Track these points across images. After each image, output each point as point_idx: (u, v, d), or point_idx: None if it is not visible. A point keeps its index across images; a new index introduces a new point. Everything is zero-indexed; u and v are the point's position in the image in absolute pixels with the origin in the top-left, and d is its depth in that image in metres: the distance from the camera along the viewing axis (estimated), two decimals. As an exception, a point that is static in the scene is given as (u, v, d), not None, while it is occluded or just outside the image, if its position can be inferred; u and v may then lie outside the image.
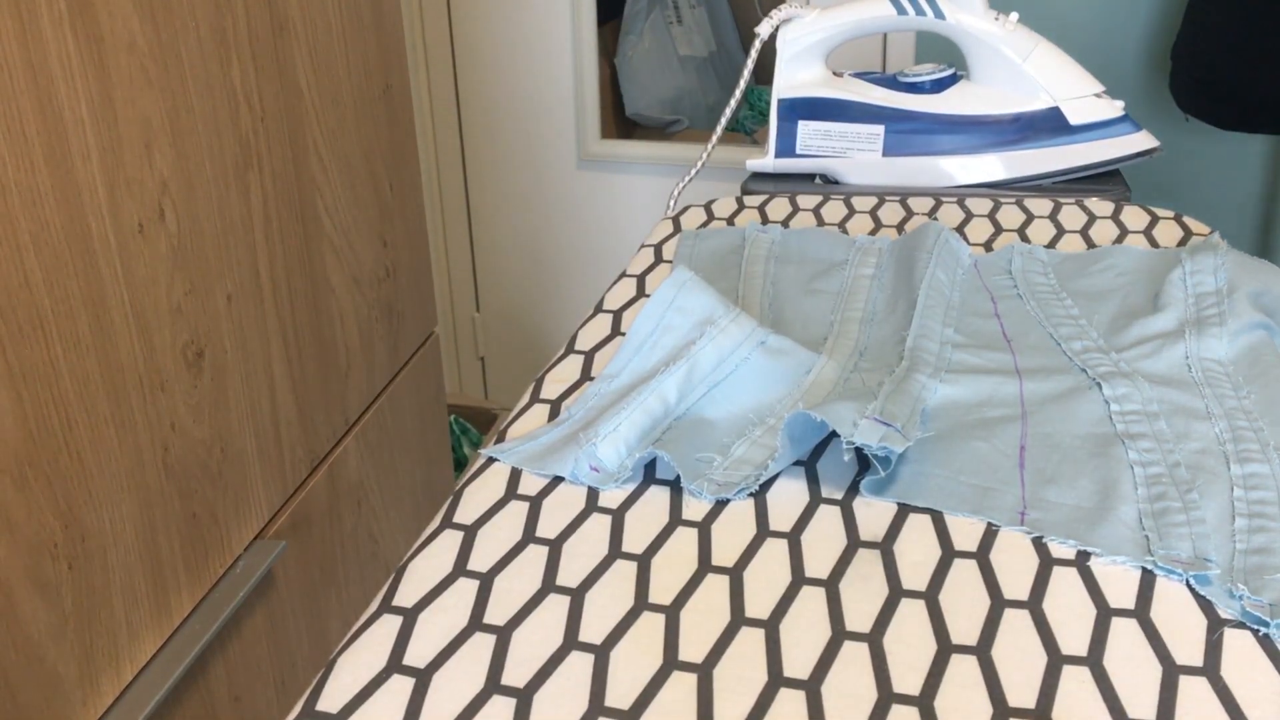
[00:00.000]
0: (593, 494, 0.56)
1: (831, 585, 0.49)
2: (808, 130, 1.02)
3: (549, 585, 0.50)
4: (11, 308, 0.65)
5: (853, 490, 0.56)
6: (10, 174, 0.65)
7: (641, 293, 0.78)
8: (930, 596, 0.48)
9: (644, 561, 0.52)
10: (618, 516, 0.55)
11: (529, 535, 0.54)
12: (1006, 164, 0.98)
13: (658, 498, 0.56)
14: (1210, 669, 0.44)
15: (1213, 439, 0.55)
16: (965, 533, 0.52)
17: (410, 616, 0.49)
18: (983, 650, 0.45)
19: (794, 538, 0.53)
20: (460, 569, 0.52)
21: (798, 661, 0.45)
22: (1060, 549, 0.51)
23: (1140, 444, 0.55)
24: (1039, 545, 0.51)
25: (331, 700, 0.45)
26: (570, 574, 0.51)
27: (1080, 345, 0.65)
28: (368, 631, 0.49)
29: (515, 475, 0.58)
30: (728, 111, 1.03)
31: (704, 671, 0.45)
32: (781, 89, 1.03)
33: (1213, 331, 0.63)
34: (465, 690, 0.45)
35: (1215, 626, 0.46)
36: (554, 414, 0.64)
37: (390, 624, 0.49)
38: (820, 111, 1.01)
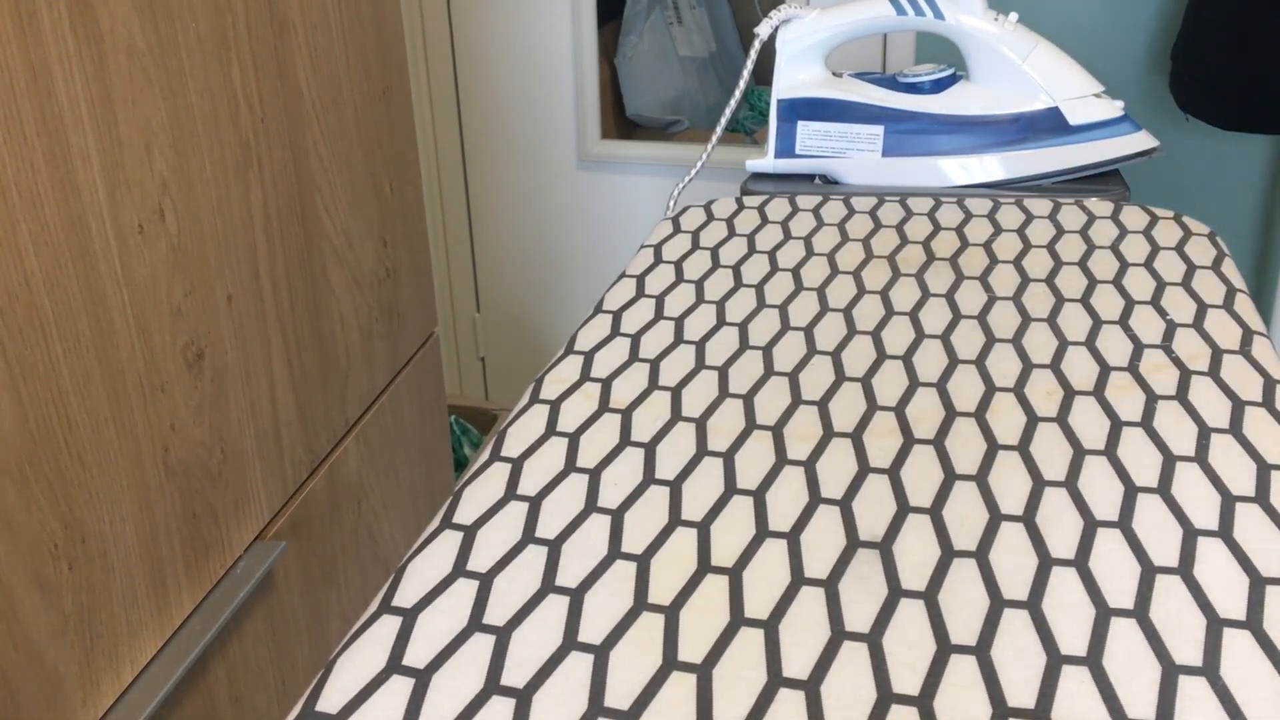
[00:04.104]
0: (592, 494, 0.57)
1: (831, 585, 0.49)
2: (807, 131, 1.02)
3: (548, 585, 0.50)
4: (11, 308, 0.65)
5: (852, 490, 0.56)
6: (10, 175, 0.65)
7: (641, 293, 0.78)
8: (929, 596, 0.48)
9: (643, 562, 0.52)
10: (617, 516, 0.55)
11: (528, 535, 0.54)
12: (1006, 164, 0.98)
13: (657, 497, 0.56)
14: (1210, 669, 0.44)
15: None
16: (964, 532, 0.52)
17: (410, 617, 0.49)
18: (982, 650, 0.45)
19: (793, 538, 0.53)
20: (460, 569, 0.52)
21: (797, 662, 0.45)
22: (1060, 548, 0.51)
23: None
24: (1038, 545, 0.51)
25: (331, 701, 0.45)
26: (569, 574, 0.51)
27: None
28: (367, 632, 0.49)
29: (515, 475, 0.58)
30: (727, 112, 1.03)
31: (703, 672, 0.45)
32: (781, 89, 1.03)
33: None
34: (465, 691, 0.45)
35: (1216, 626, 0.46)
36: (554, 414, 0.64)
37: (390, 624, 0.49)
38: (820, 112, 1.01)
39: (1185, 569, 0.49)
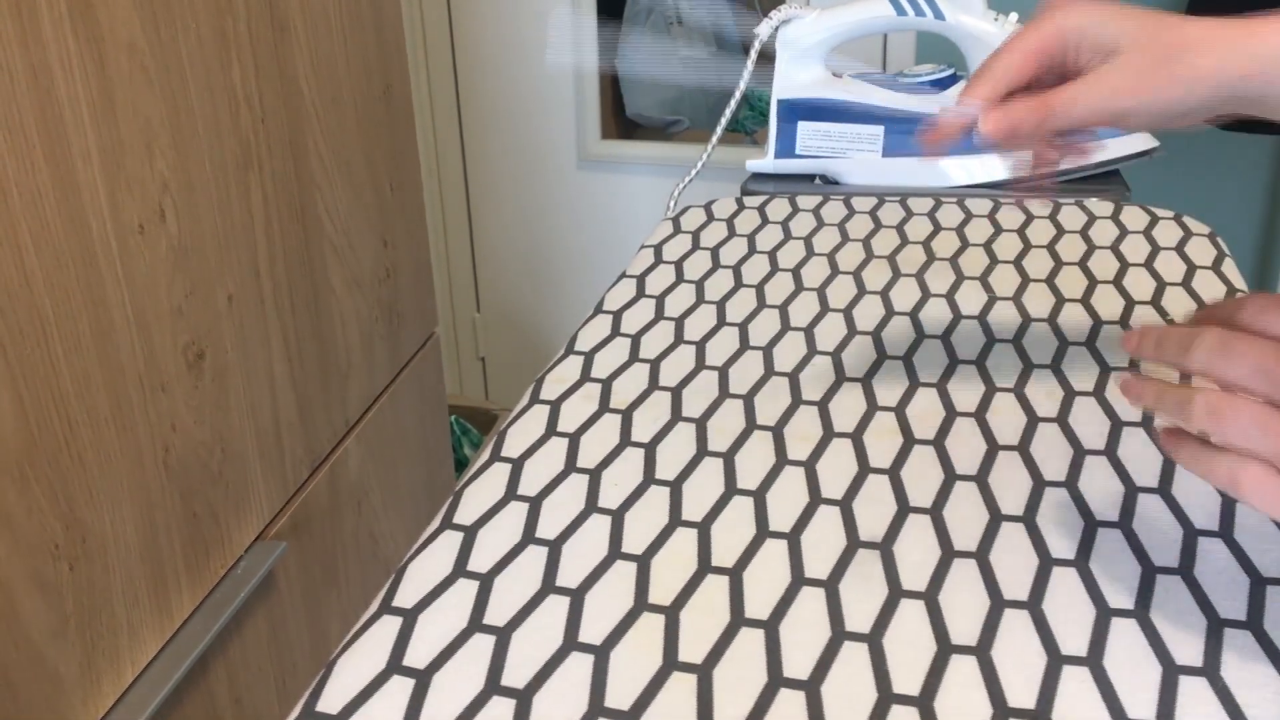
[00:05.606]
0: (593, 494, 0.57)
1: (831, 585, 0.49)
2: (807, 131, 1.02)
3: (549, 586, 0.50)
4: (12, 308, 0.66)
5: (852, 490, 0.56)
6: (11, 174, 0.65)
7: (642, 293, 0.78)
8: (930, 596, 0.48)
9: (644, 562, 0.52)
10: (617, 517, 0.55)
11: (529, 536, 0.54)
12: (1006, 164, 0.98)
13: (657, 498, 0.56)
14: (1210, 669, 0.44)
15: None
16: (965, 533, 0.52)
17: (410, 617, 0.49)
18: (982, 650, 0.45)
19: (793, 538, 0.53)
20: (460, 570, 0.52)
21: (797, 662, 0.45)
22: (1060, 549, 0.51)
23: None
24: (1039, 545, 0.51)
25: (331, 701, 0.45)
26: (570, 574, 0.51)
27: None
28: (368, 632, 0.49)
29: (515, 476, 0.58)
30: (727, 112, 1.03)
31: (704, 672, 0.45)
32: (781, 90, 1.03)
33: None
34: (465, 691, 0.45)
35: (1216, 626, 0.46)
36: (554, 414, 0.64)
37: (390, 625, 0.49)
38: (820, 112, 1.01)
39: (1185, 569, 0.49)
